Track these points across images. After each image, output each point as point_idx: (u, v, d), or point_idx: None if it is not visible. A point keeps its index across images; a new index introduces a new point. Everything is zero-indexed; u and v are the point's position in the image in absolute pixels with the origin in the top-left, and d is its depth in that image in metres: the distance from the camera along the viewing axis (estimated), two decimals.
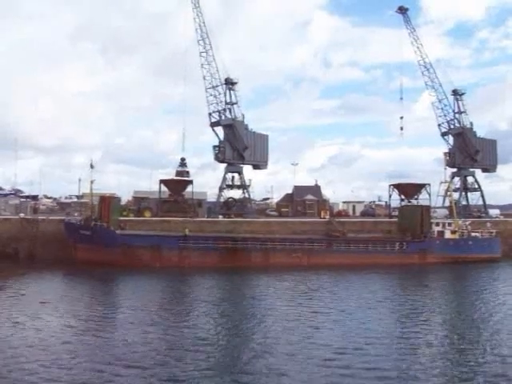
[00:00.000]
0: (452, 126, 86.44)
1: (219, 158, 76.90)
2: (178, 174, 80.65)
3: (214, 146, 77.40)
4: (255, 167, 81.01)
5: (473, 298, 38.79)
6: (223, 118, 76.08)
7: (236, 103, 77.52)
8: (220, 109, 75.94)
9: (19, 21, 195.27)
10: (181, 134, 76.65)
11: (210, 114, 75.76)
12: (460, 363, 21.60)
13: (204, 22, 75.65)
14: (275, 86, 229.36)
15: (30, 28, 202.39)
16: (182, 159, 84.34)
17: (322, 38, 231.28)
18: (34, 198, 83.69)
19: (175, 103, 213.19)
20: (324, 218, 70.56)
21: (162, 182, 72.78)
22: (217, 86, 75.67)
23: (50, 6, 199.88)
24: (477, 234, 62.15)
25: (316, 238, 58.57)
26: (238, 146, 76.69)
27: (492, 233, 62.75)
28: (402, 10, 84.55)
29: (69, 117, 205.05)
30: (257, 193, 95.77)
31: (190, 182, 73.35)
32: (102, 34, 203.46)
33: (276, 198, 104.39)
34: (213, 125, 76.12)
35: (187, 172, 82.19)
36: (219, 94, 76.10)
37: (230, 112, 76.97)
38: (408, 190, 76.55)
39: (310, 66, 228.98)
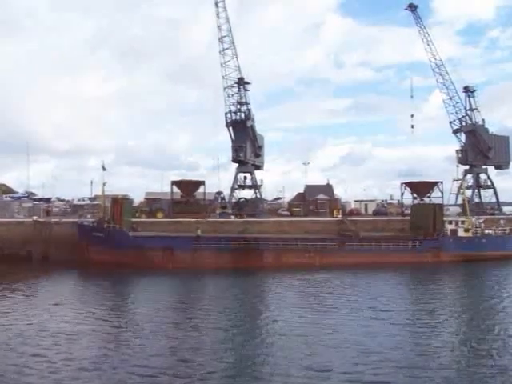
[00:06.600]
0: (464, 123, 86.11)
1: (240, 158, 76.53)
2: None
3: (234, 146, 76.68)
4: (256, 168, 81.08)
5: (492, 297, 37.88)
6: (249, 118, 76.38)
7: (249, 104, 77.82)
8: (235, 109, 76.07)
9: (42, 30, 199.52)
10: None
11: (226, 114, 75.89)
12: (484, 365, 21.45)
13: (228, 18, 75.64)
14: (287, 87, 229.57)
15: (51, 37, 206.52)
16: (218, 193, 77.95)
17: (333, 39, 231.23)
18: (47, 200, 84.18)
19: (187, 106, 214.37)
20: (336, 217, 70.24)
21: (174, 183, 72.93)
22: (234, 86, 75.91)
23: (71, 17, 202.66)
24: (490, 231, 61.62)
25: (328, 237, 58.25)
26: (256, 145, 76.95)
27: (506, 230, 62.19)
28: (412, 8, 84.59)
29: (83, 121, 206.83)
30: (268, 193, 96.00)
31: (202, 182, 73.36)
32: (120, 41, 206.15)
33: (288, 197, 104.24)
34: (228, 125, 76.16)
35: (225, 206, 75.49)
36: (236, 93, 76.33)
37: (248, 112, 77.02)
38: (420, 188, 76.01)
39: (322, 67, 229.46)
